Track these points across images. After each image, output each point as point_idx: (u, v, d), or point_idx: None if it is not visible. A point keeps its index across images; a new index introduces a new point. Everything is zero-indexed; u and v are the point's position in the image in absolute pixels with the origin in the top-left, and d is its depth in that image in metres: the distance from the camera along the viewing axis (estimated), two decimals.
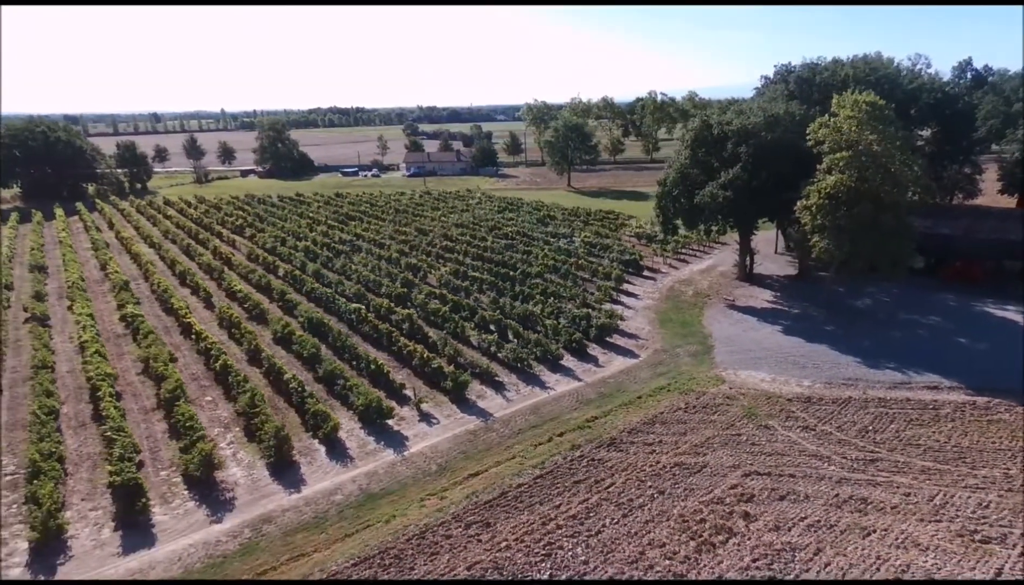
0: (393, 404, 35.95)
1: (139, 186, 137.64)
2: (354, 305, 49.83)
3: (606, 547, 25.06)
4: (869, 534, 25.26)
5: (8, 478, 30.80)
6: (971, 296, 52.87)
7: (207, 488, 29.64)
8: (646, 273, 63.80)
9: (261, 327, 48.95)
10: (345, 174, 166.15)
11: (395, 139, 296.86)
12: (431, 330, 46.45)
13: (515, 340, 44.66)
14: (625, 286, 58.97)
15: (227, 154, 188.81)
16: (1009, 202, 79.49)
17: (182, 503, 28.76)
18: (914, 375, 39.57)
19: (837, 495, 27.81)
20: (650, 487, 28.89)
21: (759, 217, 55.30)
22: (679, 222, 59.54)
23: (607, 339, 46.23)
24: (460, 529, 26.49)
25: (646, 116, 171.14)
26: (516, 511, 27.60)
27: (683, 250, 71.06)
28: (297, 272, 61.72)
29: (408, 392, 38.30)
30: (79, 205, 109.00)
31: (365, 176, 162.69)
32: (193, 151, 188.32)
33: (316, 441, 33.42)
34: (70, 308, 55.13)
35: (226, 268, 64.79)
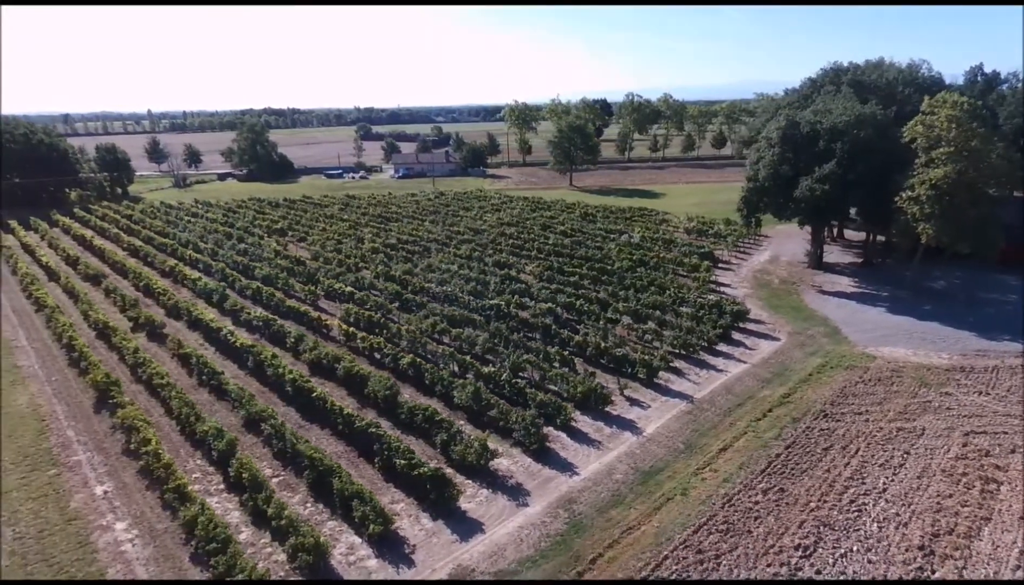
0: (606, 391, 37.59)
1: (120, 191, 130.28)
2: (493, 301, 50.73)
3: (902, 500, 27.96)
4: None
5: (276, 480, 30.47)
6: None
7: (488, 476, 30.47)
8: (721, 265, 67.55)
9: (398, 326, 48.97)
10: (329, 176, 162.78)
11: (345, 141, 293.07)
12: (589, 324, 48.12)
13: (659, 328, 46.88)
14: (713, 276, 62.35)
15: (193, 157, 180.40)
16: None
17: (475, 491, 29.51)
18: None
19: None
20: (894, 449, 31.99)
21: (849, 209, 60.06)
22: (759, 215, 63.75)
23: (739, 324, 49.30)
24: (760, 496, 28.69)
25: (624, 117, 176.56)
26: (795, 476, 30.07)
27: (739, 243, 75.38)
28: (391, 272, 61.55)
29: (599, 379, 39.91)
30: (77, 210, 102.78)
31: (352, 178, 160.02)
32: (156, 154, 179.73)
33: (553, 429, 34.62)
34: (171, 315, 53.08)
35: (317, 272, 63.57)
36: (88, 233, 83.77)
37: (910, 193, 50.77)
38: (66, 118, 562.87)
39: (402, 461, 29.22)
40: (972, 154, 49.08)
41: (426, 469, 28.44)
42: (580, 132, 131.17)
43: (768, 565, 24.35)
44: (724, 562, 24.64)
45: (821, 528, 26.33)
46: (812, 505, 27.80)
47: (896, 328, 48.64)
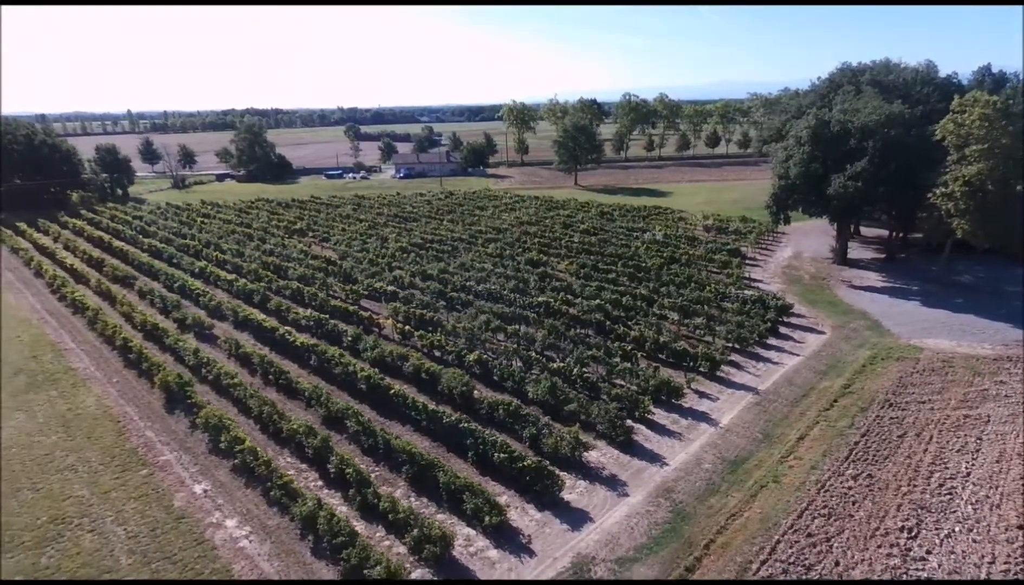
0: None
1: (120, 192, 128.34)
2: (540, 299, 51.29)
3: (989, 483, 29.08)
4: None
5: (373, 475, 30.71)
6: None
7: (581, 468, 31.04)
8: (748, 261, 68.80)
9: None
10: (329, 177, 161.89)
11: (333, 141, 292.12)
12: (639, 319, 48.89)
13: (708, 323, 47.80)
14: (745, 272, 63.52)
15: (187, 157, 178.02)
16: None
17: (573, 482, 30.05)
18: None
19: None
20: (966, 436, 33.15)
21: (877, 205, 61.69)
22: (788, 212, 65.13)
23: (783, 319, 50.41)
24: (851, 481, 29.64)
25: (621, 117, 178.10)
26: (878, 462, 31.09)
27: (759, 240, 76.75)
28: (426, 271, 61.76)
29: (662, 373, 40.63)
30: (84, 212, 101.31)
31: (353, 178, 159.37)
32: (150, 154, 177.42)
33: (632, 421, 35.26)
34: (214, 316, 52.74)
35: (352, 271, 63.62)
36: (104, 235, 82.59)
37: (943, 190, 52.35)
38: (43, 118, 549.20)
39: (501, 455, 29.67)
40: (1003, 151, 50.79)
41: (529, 462, 28.95)
42: (584, 132, 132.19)
43: (879, 546, 25.26)
44: (835, 544, 25.50)
45: (919, 511, 27.33)
46: (904, 489, 28.81)
47: (934, 320, 50.10)
